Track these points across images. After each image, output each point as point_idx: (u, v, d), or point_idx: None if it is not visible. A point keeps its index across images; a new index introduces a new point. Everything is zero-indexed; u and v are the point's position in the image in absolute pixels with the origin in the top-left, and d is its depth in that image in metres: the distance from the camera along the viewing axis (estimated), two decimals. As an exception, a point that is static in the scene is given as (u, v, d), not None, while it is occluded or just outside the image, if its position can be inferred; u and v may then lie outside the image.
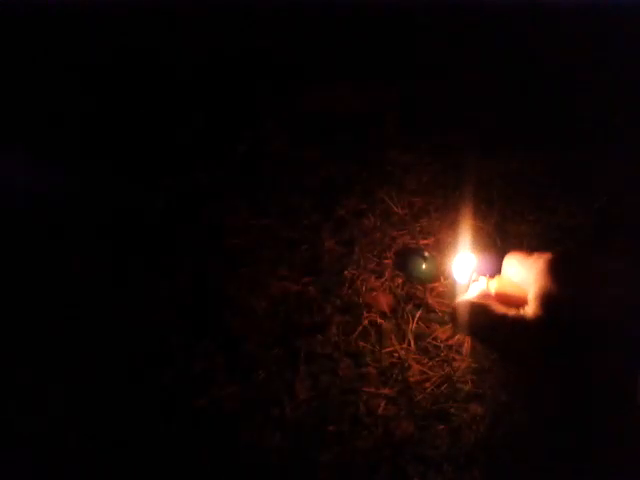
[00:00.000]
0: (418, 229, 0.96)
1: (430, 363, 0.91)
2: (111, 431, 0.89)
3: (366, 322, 0.93)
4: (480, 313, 0.51)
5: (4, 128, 1.04)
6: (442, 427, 0.89)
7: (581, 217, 0.94)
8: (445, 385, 0.90)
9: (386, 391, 0.90)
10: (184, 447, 0.88)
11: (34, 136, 1.05)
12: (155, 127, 1.03)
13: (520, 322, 0.47)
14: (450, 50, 1.05)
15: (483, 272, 0.62)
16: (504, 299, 0.53)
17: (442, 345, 0.92)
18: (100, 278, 0.96)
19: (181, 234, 0.97)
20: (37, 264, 0.97)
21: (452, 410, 0.89)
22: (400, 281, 0.94)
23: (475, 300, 0.53)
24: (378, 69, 1.05)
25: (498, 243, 0.82)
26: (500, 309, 0.50)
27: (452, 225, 0.95)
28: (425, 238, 0.95)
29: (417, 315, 0.92)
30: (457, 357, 0.91)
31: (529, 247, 0.94)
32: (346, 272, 0.94)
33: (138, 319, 0.94)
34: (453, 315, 0.56)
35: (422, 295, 0.93)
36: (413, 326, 0.92)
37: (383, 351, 0.92)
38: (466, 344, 0.91)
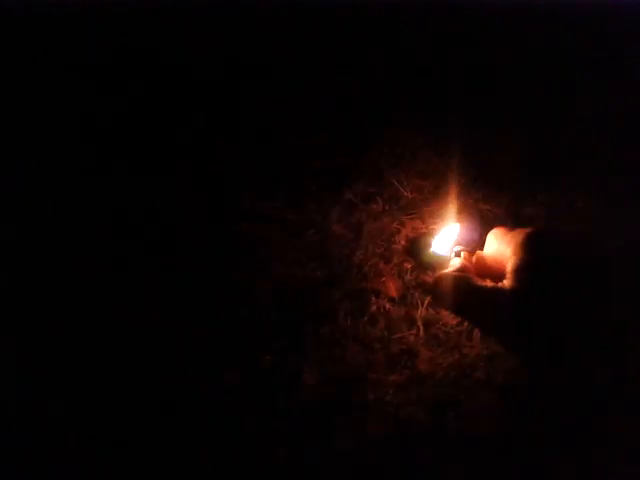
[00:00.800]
0: (427, 213, 0.95)
1: (440, 349, 0.89)
2: (115, 422, 0.87)
3: (374, 308, 0.91)
4: (459, 286, 0.52)
5: (3, 128, 1.03)
6: (452, 414, 0.87)
7: (595, 199, 0.93)
8: (455, 372, 0.89)
9: (395, 378, 0.89)
10: (189, 434, 0.86)
11: (33, 136, 1.04)
12: (157, 113, 1.03)
13: (497, 294, 0.47)
14: (459, 33, 1.05)
15: (464, 246, 0.62)
16: (484, 272, 0.53)
17: (452, 331, 0.90)
18: (100, 260, 0.94)
19: (184, 219, 0.96)
20: (36, 265, 0.95)
21: (462, 397, 0.88)
22: (409, 266, 0.92)
23: (455, 273, 0.53)
24: (385, 51, 1.04)
25: (509, 226, 0.81)
26: (479, 282, 0.50)
27: (461, 208, 0.93)
28: (435, 222, 0.94)
29: (426, 301, 0.91)
30: (467, 343, 0.89)
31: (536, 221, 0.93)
32: (354, 257, 0.93)
33: (140, 305, 0.92)
34: (433, 288, 0.56)
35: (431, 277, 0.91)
36: (422, 312, 0.90)
37: (392, 337, 0.90)
38: (477, 330, 0.89)
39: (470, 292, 0.51)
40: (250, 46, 1.07)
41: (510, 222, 0.93)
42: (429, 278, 0.91)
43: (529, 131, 0.99)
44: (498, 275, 0.51)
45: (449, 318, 0.90)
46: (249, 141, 1.00)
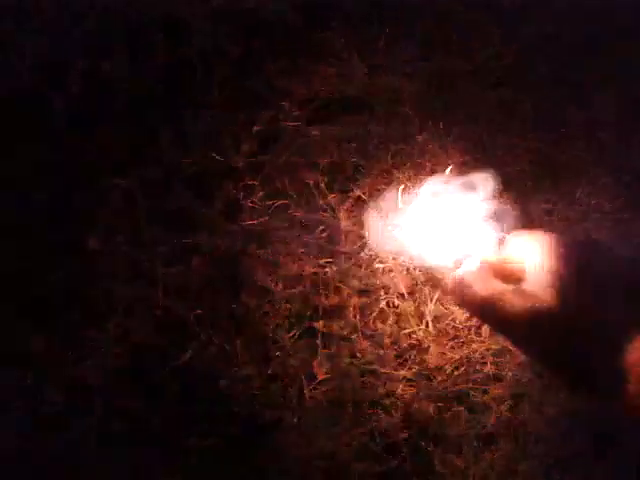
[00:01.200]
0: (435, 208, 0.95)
1: (449, 344, 0.90)
2: (125, 412, 0.88)
3: (384, 303, 0.92)
4: (477, 286, 0.51)
5: (7, 124, 1.04)
6: (461, 409, 0.88)
7: (603, 196, 0.93)
8: (464, 367, 0.90)
9: (405, 373, 0.90)
10: (200, 427, 0.88)
11: (41, 134, 1.04)
12: (169, 107, 1.03)
13: (517, 296, 0.47)
14: (467, 30, 1.04)
15: (482, 246, 0.62)
16: (502, 274, 0.53)
17: (461, 326, 0.91)
18: (113, 257, 0.95)
19: (195, 215, 0.96)
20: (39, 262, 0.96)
21: (471, 392, 0.89)
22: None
23: (472, 274, 0.53)
24: (393, 46, 1.04)
25: (524, 228, 0.81)
26: (497, 284, 0.50)
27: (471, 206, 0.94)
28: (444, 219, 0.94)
29: (435, 296, 0.91)
30: (476, 338, 0.90)
31: (550, 226, 0.94)
32: (363, 253, 0.93)
33: (152, 300, 0.93)
34: (451, 288, 0.55)
35: (440, 276, 0.92)
36: (431, 307, 0.91)
37: (401, 333, 0.91)
38: (486, 325, 0.90)
39: (488, 294, 0.51)
40: (250, 44, 1.07)
41: (520, 219, 0.93)
42: (438, 273, 0.92)
43: (537, 128, 0.99)
44: (517, 276, 0.51)
45: (458, 313, 0.91)
46: (256, 139, 1.00)
